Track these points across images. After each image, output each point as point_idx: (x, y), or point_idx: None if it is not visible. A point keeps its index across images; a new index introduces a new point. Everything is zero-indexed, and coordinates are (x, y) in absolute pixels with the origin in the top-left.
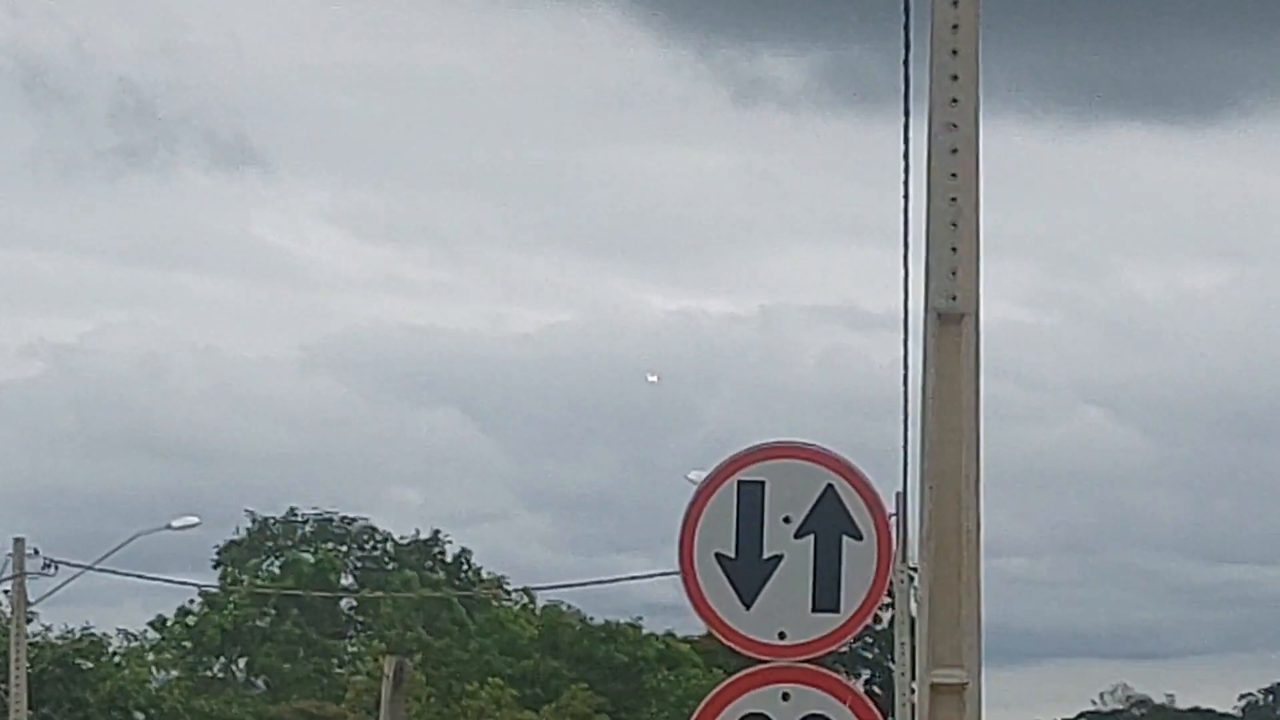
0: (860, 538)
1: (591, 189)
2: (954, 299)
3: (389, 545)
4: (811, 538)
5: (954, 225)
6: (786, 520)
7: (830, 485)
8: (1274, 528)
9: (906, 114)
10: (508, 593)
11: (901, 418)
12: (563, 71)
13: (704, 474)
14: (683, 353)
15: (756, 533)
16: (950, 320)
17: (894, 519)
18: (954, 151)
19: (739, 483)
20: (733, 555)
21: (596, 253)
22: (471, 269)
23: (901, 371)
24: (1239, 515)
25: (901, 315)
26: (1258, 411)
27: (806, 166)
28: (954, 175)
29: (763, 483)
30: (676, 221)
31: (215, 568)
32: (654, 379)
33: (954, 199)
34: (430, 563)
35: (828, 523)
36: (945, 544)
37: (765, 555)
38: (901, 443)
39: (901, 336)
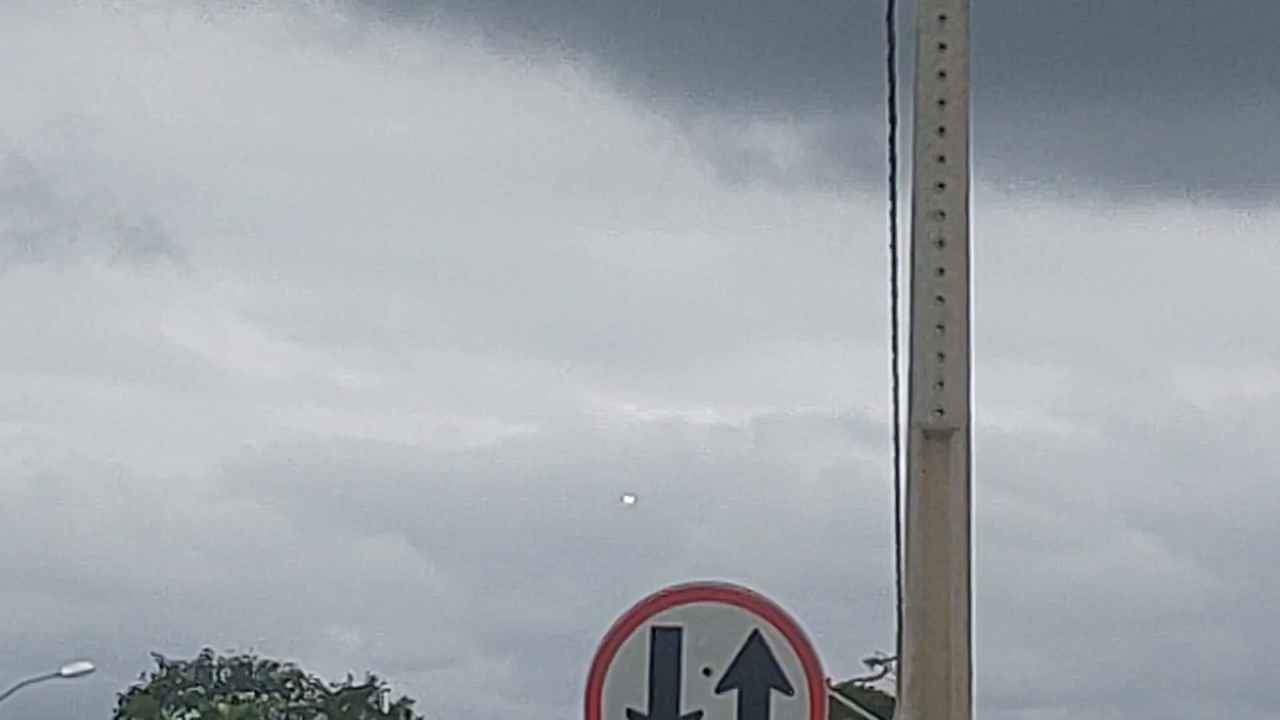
0: (790, 692)
1: (555, 281)
2: (940, 413)
3: (317, 694)
4: (735, 692)
5: (940, 328)
6: (707, 672)
7: (756, 632)
8: None
9: (893, 198)
10: None
11: (895, 549)
12: (521, 144)
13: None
14: (663, 470)
15: (673, 686)
16: (937, 437)
17: (891, 666)
18: (940, 244)
19: (653, 629)
20: (645, 713)
21: (561, 355)
22: (416, 374)
23: (894, 495)
24: None
25: (892, 430)
26: None
27: (805, 254)
28: (941, 271)
29: (679, 629)
30: (654, 318)
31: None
32: (629, 500)
33: (940, 298)
34: (365, 714)
35: (754, 675)
36: (931, 695)
37: (683, 712)
38: (895, 577)
39: (893, 452)
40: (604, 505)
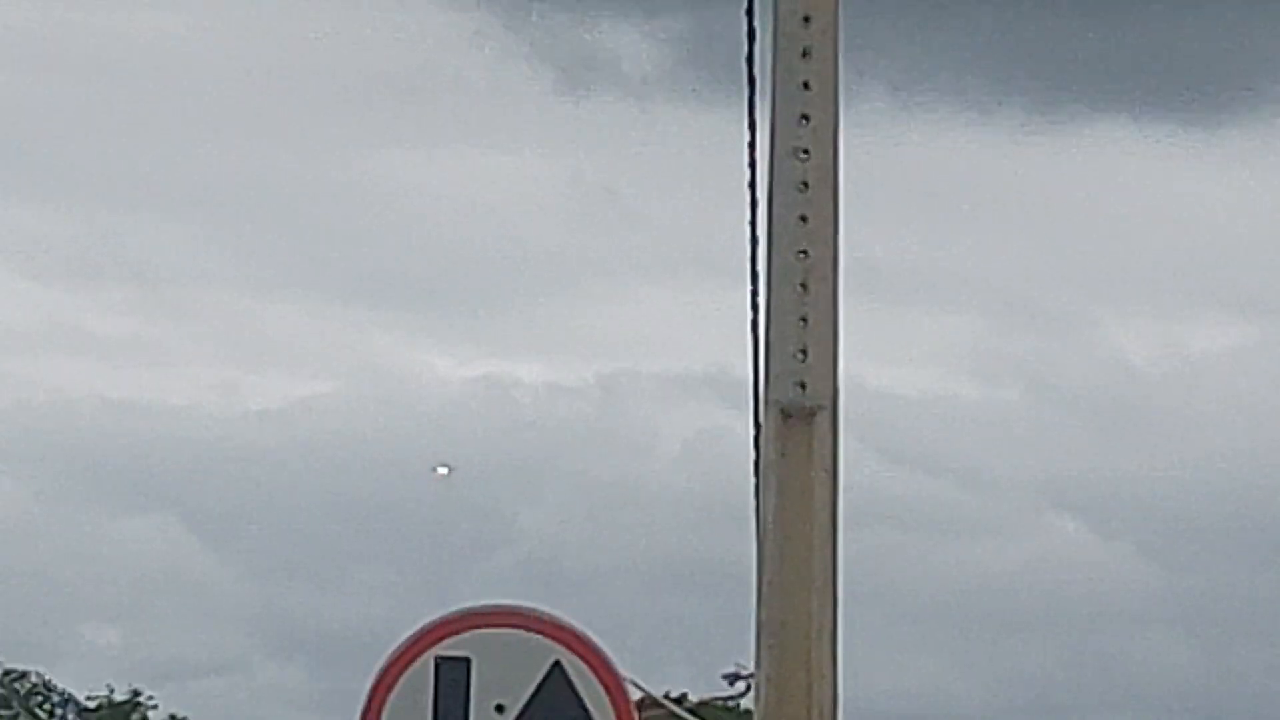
0: None
1: (356, 210)
2: (802, 388)
3: (69, 709)
4: None
5: (802, 287)
6: (500, 709)
7: (557, 663)
8: None
9: (752, 129)
10: None
11: (755, 544)
12: (315, 45)
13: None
14: (487, 438)
15: None
16: (797, 417)
17: (749, 683)
18: (804, 187)
19: (437, 660)
20: None
21: (363, 299)
22: (188, 320)
23: (752, 484)
24: (1266, 669)
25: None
26: None
27: (660, 178)
28: (803, 219)
29: (468, 660)
30: (476, 255)
31: None
32: (443, 472)
33: (803, 251)
34: None
35: (553, 713)
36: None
37: None
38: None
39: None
40: (415, 479)
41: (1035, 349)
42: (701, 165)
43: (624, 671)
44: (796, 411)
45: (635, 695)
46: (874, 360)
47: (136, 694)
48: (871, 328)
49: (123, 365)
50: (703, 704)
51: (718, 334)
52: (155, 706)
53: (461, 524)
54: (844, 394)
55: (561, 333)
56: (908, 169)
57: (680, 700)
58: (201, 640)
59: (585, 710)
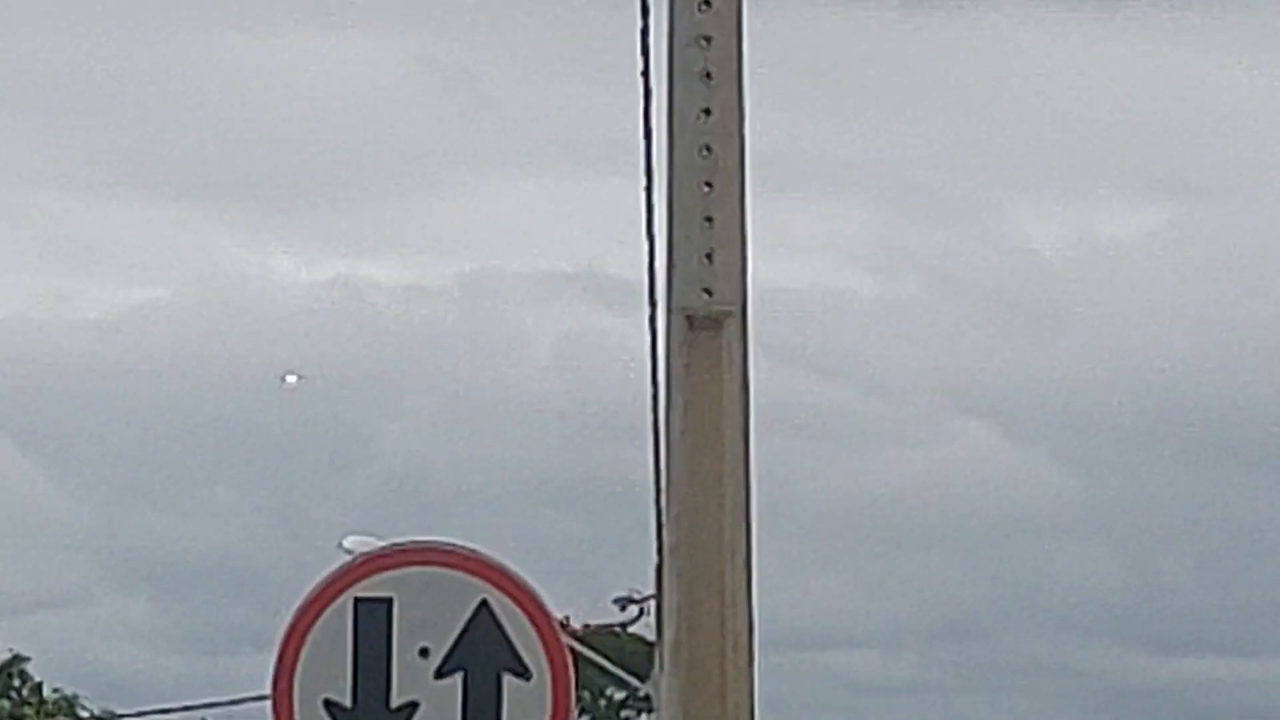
0: (527, 676)
1: (186, 99)
2: (709, 293)
3: None
4: (459, 677)
5: (707, 185)
6: (424, 653)
7: (485, 602)
8: (1250, 599)
9: (645, 15)
10: None
11: (652, 459)
12: None
13: (366, 542)
14: (342, 346)
15: (382, 671)
16: (704, 324)
17: (649, 607)
18: (706, 77)
19: (356, 601)
20: (348, 704)
21: (199, 196)
22: (7, 224)
23: (650, 395)
24: (1196, 581)
25: (648, 311)
26: (1216, 423)
27: (525, 58)
28: (707, 112)
29: (389, 600)
30: (322, 146)
31: None
32: (293, 381)
33: (707, 147)
34: None
35: (481, 656)
36: (702, 655)
37: (394, 703)
38: (654, 496)
39: (649, 338)
40: (263, 392)
41: (935, 239)
42: (571, 47)
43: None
44: (703, 319)
45: None
46: (761, 254)
47: None
48: (757, 219)
49: None
50: (590, 630)
51: (588, 229)
52: None
53: (316, 440)
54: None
55: (418, 230)
56: (792, 48)
57: (562, 626)
58: (36, 571)
59: (515, 653)
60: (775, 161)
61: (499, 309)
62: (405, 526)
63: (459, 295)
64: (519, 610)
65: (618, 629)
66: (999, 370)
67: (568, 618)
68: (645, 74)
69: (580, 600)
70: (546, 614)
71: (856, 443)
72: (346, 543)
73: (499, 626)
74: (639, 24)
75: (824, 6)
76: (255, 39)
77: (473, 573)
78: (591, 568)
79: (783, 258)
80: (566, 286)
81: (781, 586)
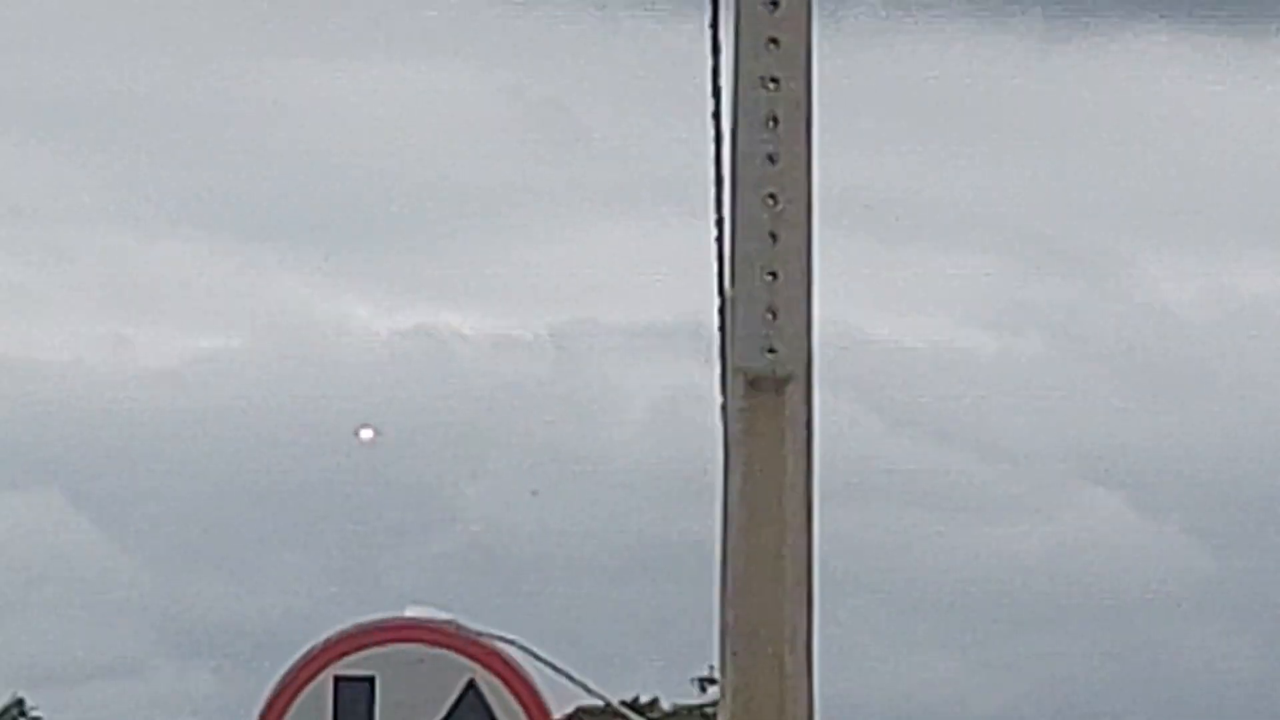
0: None
1: (259, 134)
2: (772, 353)
3: None
4: None
5: (772, 237)
6: None
7: (472, 683)
8: None
9: (715, 53)
10: None
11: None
12: None
13: (430, 613)
14: (421, 400)
15: None
16: (766, 386)
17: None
18: (772, 122)
19: (337, 680)
20: None
21: (272, 238)
22: (65, 265)
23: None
24: None
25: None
26: None
27: (619, 94)
28: (771, 159)
29: (371, 679)
30: (406, 186)
31: None
32: (368, 435)
33: (771, 196)
34: None
35: None
36: None
37: None
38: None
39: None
40: (337, 449)
41: (1061, 294)
42: (668, 77)
43: (577, 675)
44: (764, 380)
45: (591, 702)
46: (875, 308)
47: (19, 702)
48: (871, 271)
49: None
50: (675, 712)
51: (690, 277)
52: (39, 717)
53: (391, 501)
54: (840, 348)
55: (506, 276)
56: (911, 88)
57: (650, 706)
58: (91, 638)
59: None
60: (887, 210)
61: (592, 363)
62: (483, 595)
63: (549, 348)
64: (508, 692)
65: (708, 709)
66: (1128, 436)
67: (656, 699)
68: (716, 116)
69: (671, 675)
70: (537, 696)
71: (974, 513)
72: (409, 612)
73: (487, 709)
74: (709, 62)
75: (942, 42)
76: (332, 68)
77: (460, 651)
78: (683, 641)
79: (897, 313)
80: (666, 340)
81: (893, 666)
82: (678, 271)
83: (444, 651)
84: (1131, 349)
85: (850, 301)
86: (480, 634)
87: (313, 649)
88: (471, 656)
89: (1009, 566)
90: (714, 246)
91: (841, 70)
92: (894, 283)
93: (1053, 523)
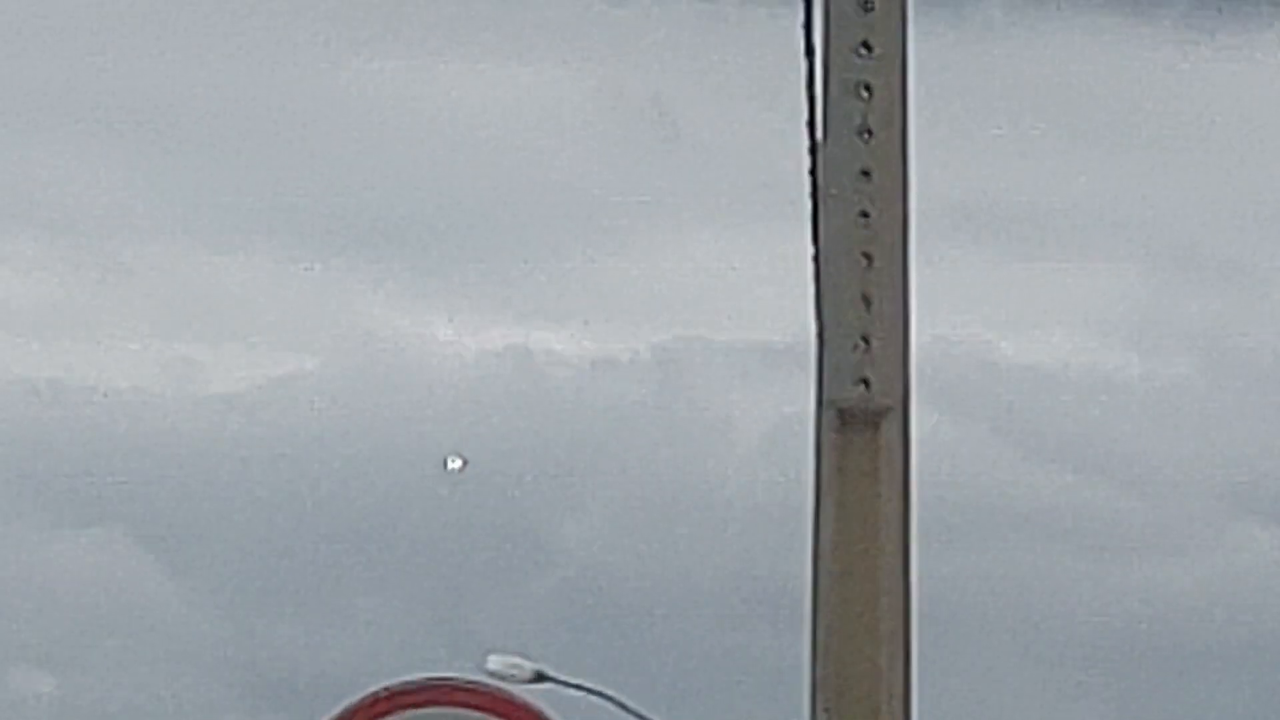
0: None
1: (335, 140)
2: (865, 385)
3: None
4: None
5: (866, 258)
6: None
7: None
8: None
9: (810, 54)
10: None
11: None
12: None
13: (515, 664)
14: (513, 427)
15: None
16: (859, 421)
17: None
18: (865, 134)
19: None
20: None
21: (349, 252)
22: (126, 282)
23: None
24: None
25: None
26: None
27: (723, 88)
28: (865, 174)
29: None
30: (494, 195)
31: None
32: (457, 465)
33: (864, 214)
34: None
35: None
36: None
37: None
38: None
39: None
40: (422, 481)
41: (1211, 310)
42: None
43: None
44: (857, 415)
45: None
46: (1007, 328)
47: None
48: (1002, 286)
49: (47, 338)
50: None
51: (805, 290)
52: None
53: (481, 537)
54: (969, 371)
55: (606, 292)
56: (1043, 87)
57: None
58: (157, 686)
59: None
60: (1015, 221)
61: (699, 387)
62: (576, 641)
63: (653, 370)
64: None
65: None
66: None
67: None
68: (811, 125)
69: None
70: None
71: (1117, 550)
72: (491, 663)
73: None
74: (803, 69)
75: (1073, 38)
76: (414, 69)
77: (499, 715)
78: (791, 690)
79: (1030, 332)
80: (779, 361)
81: (1030, 715)
82: (791, 285)
83: (480, 715)
84: None
85: (979, 320)
86: (568, 685)
87: (338, 714)
88: (511, 719)
89: (1155, 608)
90: (810, 267)
91: (967, 70)
92: (1027, 299)
93: (1204, 560)
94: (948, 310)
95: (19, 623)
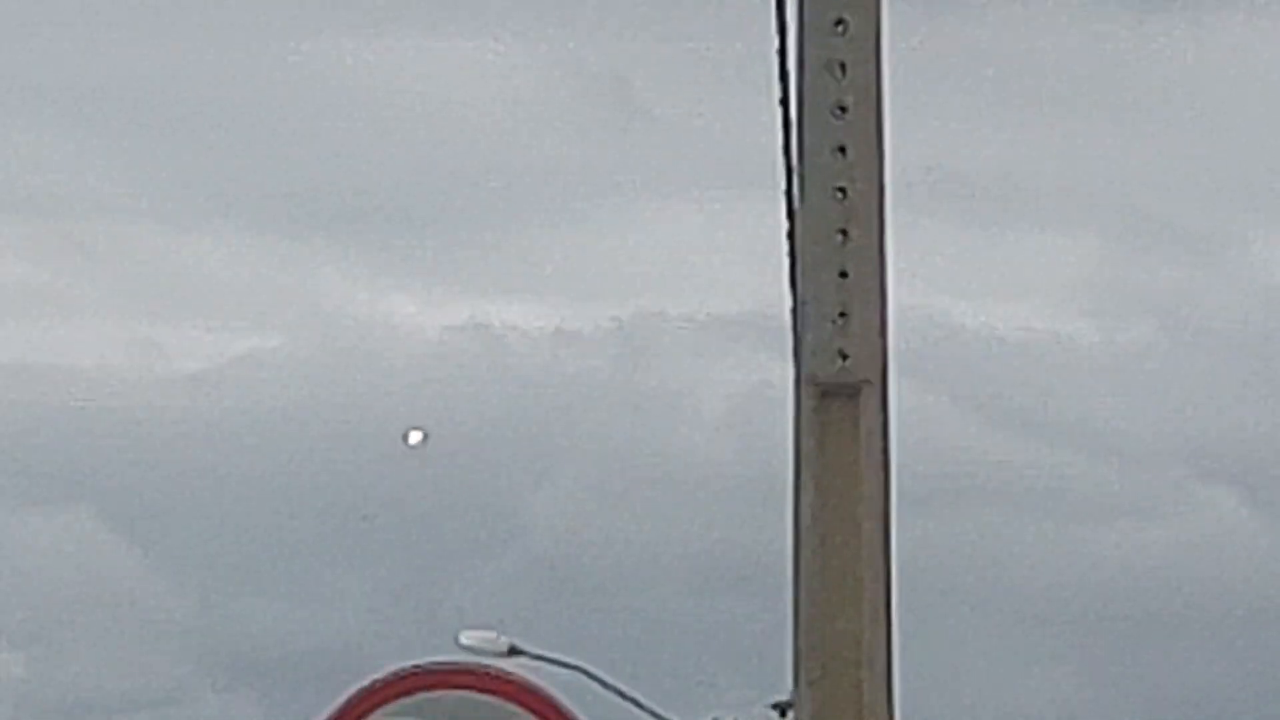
0: None
1: (294, 116)
2: (843, 358)
3: None
4: None
5: (842, 234)
6: None
7: None
8: None
9: (782, 33)
10: None
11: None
12: None
13: (487, 637)
14: (477, 402)
15: None
16: (837, 394)
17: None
18: (840, 111)
19: None
20: None
21: (310, 229)
22: (90, 262)
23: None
24: None
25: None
26: None
27: (681, 61)
28: (841, 150)
29: None
30: (454, 170)
31: None
32: (418, 438)
33: (841, 190)
34: None
35: None
36: None
37: None
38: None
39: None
40: (387, 456)
41: (1170, 277)
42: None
43: (645, 701)
44: (836, 388)
45: None
46: (967, 296)
47: None
48: (963, 254)
49: (9, 317)
50: None
51: (764, 264)
52: None
53: (447, 512)
54: (930, 339)
55: (565, 266)
56: (1003, 55)
57: None
58: (128, 667)
59: None
60: (977, 190)
61: (661, 359)
62: (547, 614)
63: (614, 343)
64: None
65: None
66: (1247, 430)
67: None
68: (784, 102)
69: (748, 699)
70: None
71: (1080, 515)
72: (464, 639)
73: None
74: (775, 44)
75: (1034, 7)
76: (371, 44)
77: (509, 698)
78: (766, 661)
79: (991, 300)
80: (740, 333)
81: (993, 681)
82: (750, 259)
83: (491, 698)
84: (1248, 335)
85: (939, 289)
86: (541, 659)
87: (354, 695)
88: (521, 703)
89: (1118, 572)
90: (785, 243)
91: (928, 40)
92: (987, 267)
93: (1166, 524)
94: (909, 278)
95: None
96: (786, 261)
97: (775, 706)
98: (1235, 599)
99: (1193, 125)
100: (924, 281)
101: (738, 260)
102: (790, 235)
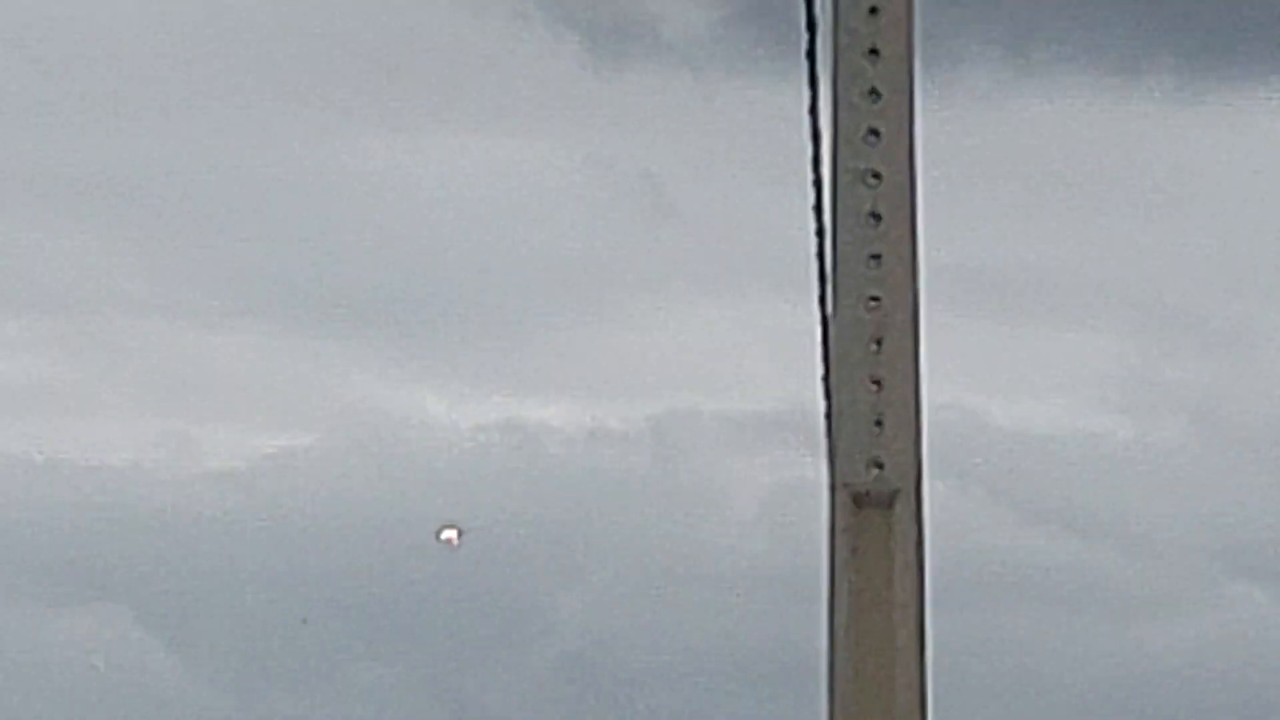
0: None
1: (327, 214)
2: (879, 467)
3: None
4: None
5: (876, 344)
6: None
7: None
8: None
9: (815, 140)
10: None
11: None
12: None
13: None
14: (509, 500)
15: None
16: (873, 503)
17: None
18: (874, 218)
19: None
20: None
21: (341, 327)
22: (118, 359)
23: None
24: None
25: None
26: None
27: (710, 158)
28: (875, 258)
29: None
30: (486, 268)
31: None
32: (451, 535)
33: (874, 298)
34: None
35: None
36: None
37: None
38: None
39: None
40: (419, 554)
41: (1200, 373)
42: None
43: None
44: (871, 497)
45: None
46: (998, 394)
47: None
48: (993, 354)
49: (40, 415)
50: None
51: (798, 362)
52: None
53: (480, 611)
54: (962, 438)
55: (598, 363)
56: (1032, 149)
57: None
58: None
59: None
60: (1008, 287)
61: (695, 457)
62: (580, 712)
63: (648, 441)
64: None
65: None
66: (1278, 526)
67: None
68: (818, 209)
69: None
70: None
71: (1114, 611)
72: None
73: None
74: (808, 153)
75: (1062, 102)
76: (402, 141)
77: None
78: None
79: (1024, 398)
80: (773, 430)
81: None
82: (784, 356)
83: None
84: (1278, 432)
85: (971, 388)
86: None
87: None
88: None
89: (1151, 668)
90: (819, 349)
91: (955, 135)
92: (1020, 365)
93: (1197, 621)
94: (940, 377)
95: (18, 701)
96: (820, 368)
97: None
98: (1267, 696)
99: (1223, 220)
100: (956, 380)
101: (771, 357)
102: (824, 342)
